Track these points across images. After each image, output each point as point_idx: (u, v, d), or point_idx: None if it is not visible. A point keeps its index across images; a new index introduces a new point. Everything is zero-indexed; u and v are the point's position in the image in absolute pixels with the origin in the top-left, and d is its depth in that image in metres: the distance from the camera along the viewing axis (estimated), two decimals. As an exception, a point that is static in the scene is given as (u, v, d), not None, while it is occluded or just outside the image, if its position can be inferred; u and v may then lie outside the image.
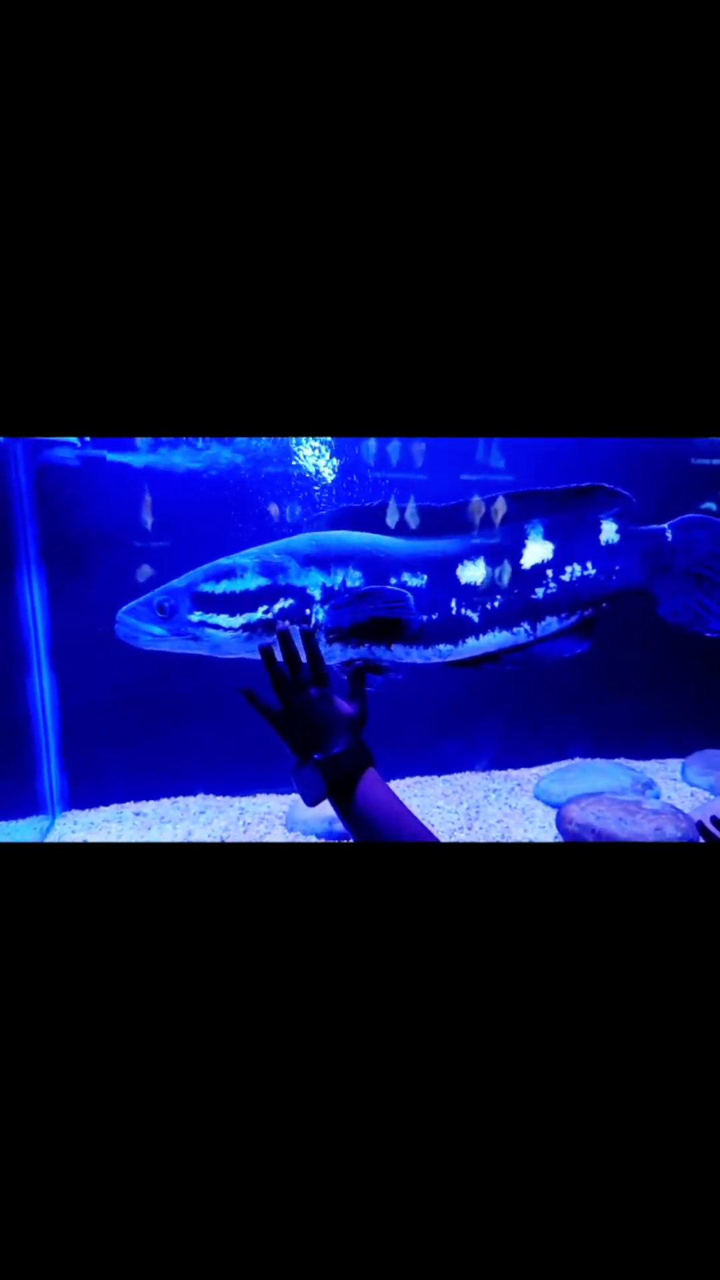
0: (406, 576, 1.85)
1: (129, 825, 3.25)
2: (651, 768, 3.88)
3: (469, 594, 1.87)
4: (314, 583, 1.79)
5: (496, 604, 1.87)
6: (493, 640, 1.90)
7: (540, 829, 3.10)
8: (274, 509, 3.35)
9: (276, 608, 1.75)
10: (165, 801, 3.54)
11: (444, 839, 2.97)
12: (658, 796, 3.36)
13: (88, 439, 3.22)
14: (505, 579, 1.88)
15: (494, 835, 3.03)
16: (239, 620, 1.73)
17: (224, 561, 1.82)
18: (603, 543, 1.90)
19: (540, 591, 1.88)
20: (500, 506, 1.93)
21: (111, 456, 3.30)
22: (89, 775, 3.43)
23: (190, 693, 3.27)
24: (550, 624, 1.92)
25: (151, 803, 3.52)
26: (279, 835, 3.07)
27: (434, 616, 1.85)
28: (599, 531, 1.90)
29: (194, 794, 3.61)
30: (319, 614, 1.78)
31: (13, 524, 3.12)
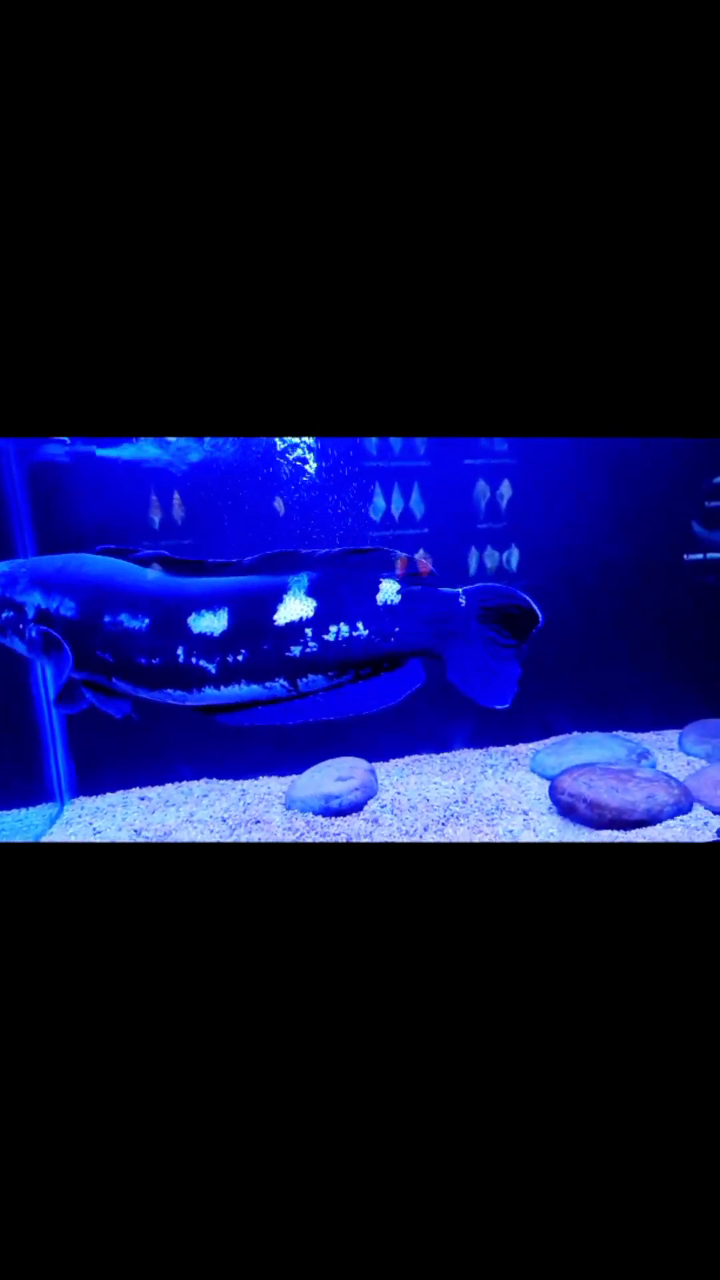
0: (124, 616, 1.84)
1: (134, 809, 3.35)
2: (649, 739, 3.90)
3: (202, 643, 1.80)
4: (31, 603, 1.94)
5: (241, 657, 1.79)
6: (240, 692, 1.83)
7: (536, 800, 3.14)
8: (279, 504, 3.40)
9: (2, 616, 1.96)
10: (169, 786, 3.64)
11: (440, 813, 3.03)
12: (653, 766, 3.38)
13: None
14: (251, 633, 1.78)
15: (489, 808, 3.08)
16: None
17: None
18: (380, 603, 1.82)
19: (297, 649, 1.80)
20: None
21: (101, 452, 3.36)
22: (94, 762, 3.54)
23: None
24: (315, 681, 1.84)
25: (156, 788, 3.62)
26: (278, 814, 3.14)
27: (155, 661, 1.81)
28: (376, 592, 1.82)
29: (197, 778, 3.70)
30: (31, 632, 1.92)
31: (9, 518, 3.20)
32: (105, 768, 3.56)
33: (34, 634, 1.93)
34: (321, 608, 1.80)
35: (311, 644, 1.79)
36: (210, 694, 1.84)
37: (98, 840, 2.95)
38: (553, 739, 3.95)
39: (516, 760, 3.77)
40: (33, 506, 3.29)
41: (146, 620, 1.84)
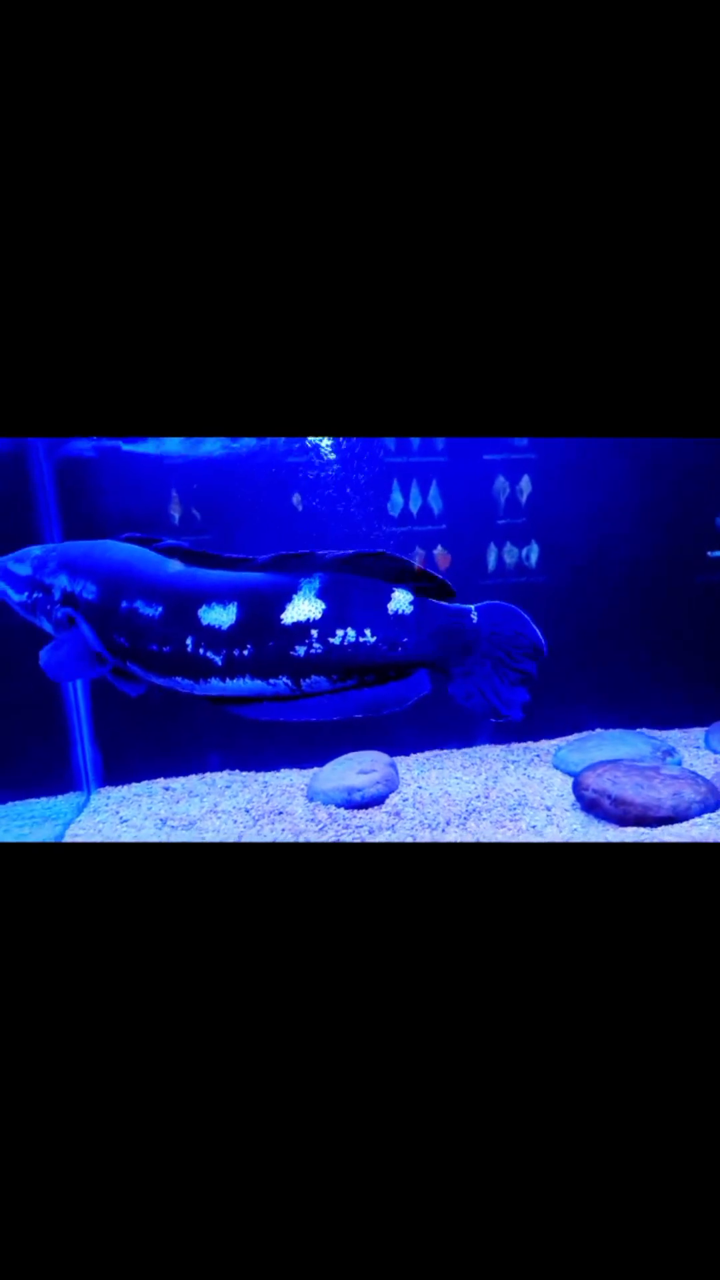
0: (140, 603, 1.88)
1: (159, 799, 3.40)
2: (675, 736, 3.85)
3: (210, 635, 1.82)
4: (59, 585, 2.00)
5: (246, 651, 1.80)
6: (245, 686, 1.84)
7: (559, 797, 3.12)
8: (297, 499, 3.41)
9: (33, 596, 2.04)
10: (193, 777, 3.69)
11: (463, 808, 3.03)
12: (679, 764, 3.35)
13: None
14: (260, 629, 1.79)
15: (510, 804, 3.07)
16: (19, 596, 2.07)
17: (33, 548, 2.11)
18: (391, 612, 1.81)
19: (301, 649, 1.80)
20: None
21: (127, 447, 3.40)
22: (120, 753, 3.60)
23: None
24: (318, 682, 1.84)
25: (180, 778, 3.67)
26: (300, 806, 3.17)
27: (166, 649, 1.84)
28: (388, 600, 1.81)
29: (220, 770, 3.75)
30: (57, 613, 2.00)
31: (39, 511, 3.26)
32: (130, 758, 3.62)
33: (59, 615, 1.99)
34: (330, 611, 1.80)
35: (316, 645, 1.80)
36: (216, 685, 1.87)
37: (124, 828, 3.01)
38: (575, 735, 3.92)
39: (538, 756, 3.75)
40: (60, 500, 3.34)
41: (160, 608, 1.87)
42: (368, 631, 1.80)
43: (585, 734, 3.88)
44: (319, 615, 1.80)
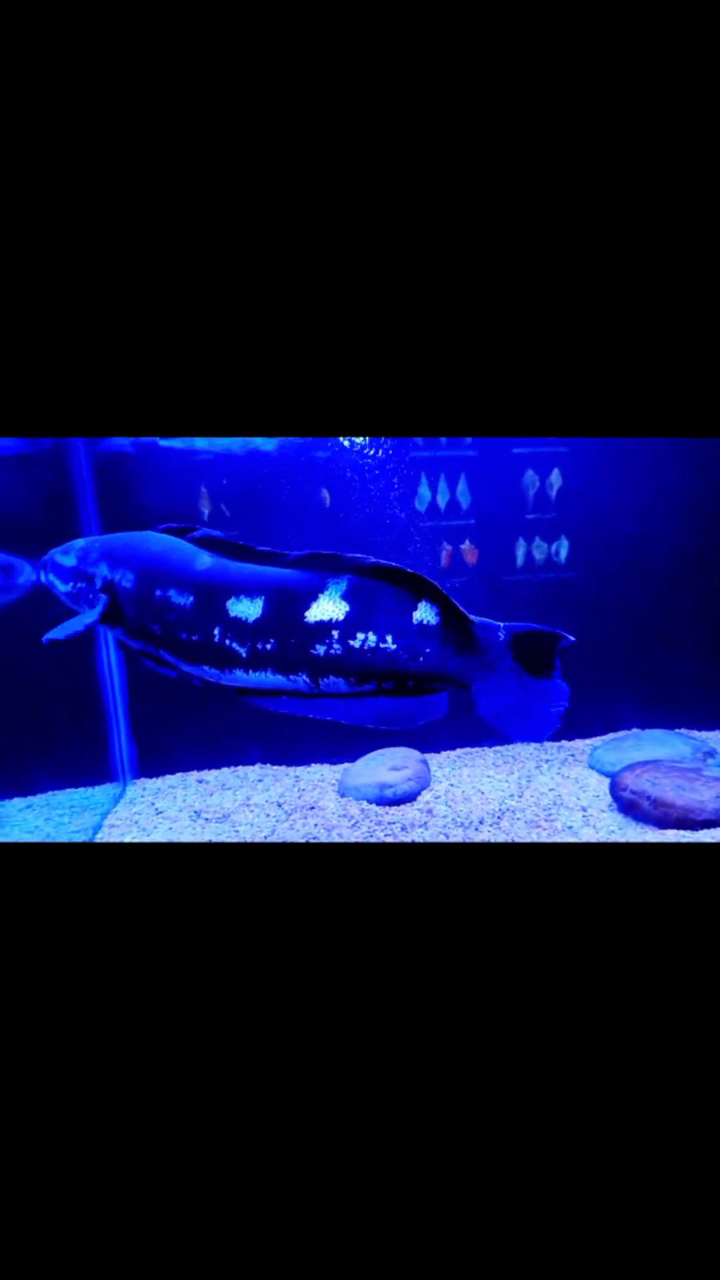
0: (173, 592, 1.93)
1: (193, 791, 3.44)
2: (716, 737, 3.74)
3: (237, 627, 1.85)
4: (100, 574, 2.05)
5: (269, 645, 1.82)
6: (265, 679, 1.87)
7: (595, 797, 3.07)
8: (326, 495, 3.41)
9: (77, 586, 2.09)
10: (225, 770, 3.73)
11: (496, 806, 3.00)
12: (720, 765, 3.25)
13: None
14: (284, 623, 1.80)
15: (545, 804, 3.03)
16: (65, 586, 2.11)
17: (77, 540, 2.17)
18: (415, 621, 1.80)
19: (322, 649, 1.80)
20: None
21: (164, 442, 3.44)
22: (156, 745, 3.65)
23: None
24: (336, 683, 1.84)
25: (213, 771, 3.71)
26: (331, 801, 3.17)
27: (194, 638, 1.88)
28: (413, 609, 1.80)
29: (252, 764, 3.78)
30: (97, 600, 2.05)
31: (79, 505, 3.32)
32: (166, 750, 3.67)
33: (100, 602, 2.06)
34: (353, 613, 1.81)
35: (336, 646, 1.81)
36: (240, 676, 1.91)
37: (159, 819, 3.05)
38: (611, 735, 3.84)
39: (573, 756, 3.69)
40: (99, 495, 3.40)
41: (191, 598, 1.92)
42: (389, 638, 1.80)
43: (622, 734, 3.80)
44: (342, 616, 1.81)
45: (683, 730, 3.80)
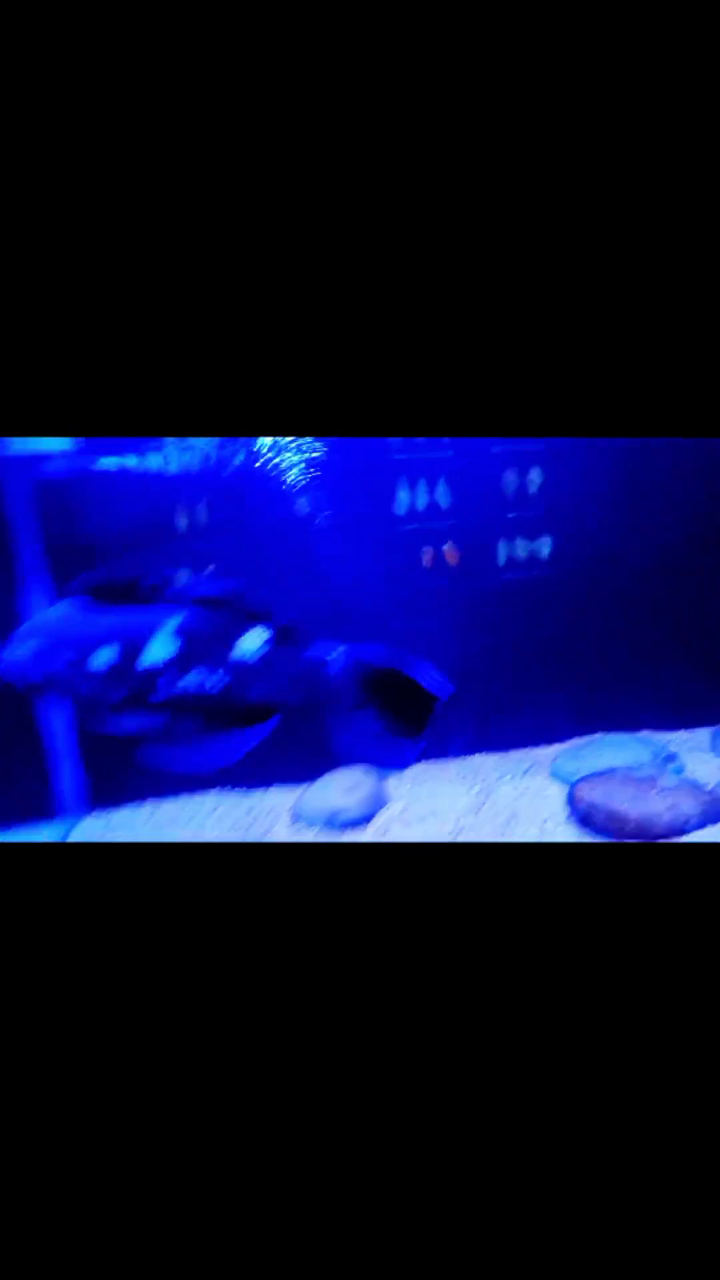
0: (72, 655, 1.86)
1: (144, 823, 3.34)
2: (679, 739, 3.68)
3: (98, 678, 1.82)
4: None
5: (120, 694, 1.80)
6: (132, 725, 1.82)
7: (555, 809, 2.99)
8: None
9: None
10: (182, 798, 3.62)
11: (452, 824, 2.92)
12: (679, 771, 3.18)
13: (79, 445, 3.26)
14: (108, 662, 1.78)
15: (502, 820, 2.95)
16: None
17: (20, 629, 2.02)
18: (243, 652, 1.76)
19: (160, 692, 1.77)
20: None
21: (102, 462, 3.33)
22: (109, 774, 3.54)
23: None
24: (186, 726, 1.81)
25: (169, 800, 3.61)
26: (283, 829, 3.08)
27: (82, 692, 1.84)
28: (241, 639, 1.76)
29: (210, 789, 3.68)
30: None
31: (12, 534, 3.20)
32: (118, 780, 3.56)
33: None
34: (184, 650, 1.78)
35: (173, 687, 1.77)
36: (113, 725, 1.89)
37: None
38: (576, 740, 3.77)
39: (537, 764, 3.61)
40: (42, 526, 3.29)
41: (73, 656, 1.88)
42: (221, 671, 1.76)
43: (585, 739, 3.73)
44: (173, 655, 1.78)
45: (646, 732, 3.74)
